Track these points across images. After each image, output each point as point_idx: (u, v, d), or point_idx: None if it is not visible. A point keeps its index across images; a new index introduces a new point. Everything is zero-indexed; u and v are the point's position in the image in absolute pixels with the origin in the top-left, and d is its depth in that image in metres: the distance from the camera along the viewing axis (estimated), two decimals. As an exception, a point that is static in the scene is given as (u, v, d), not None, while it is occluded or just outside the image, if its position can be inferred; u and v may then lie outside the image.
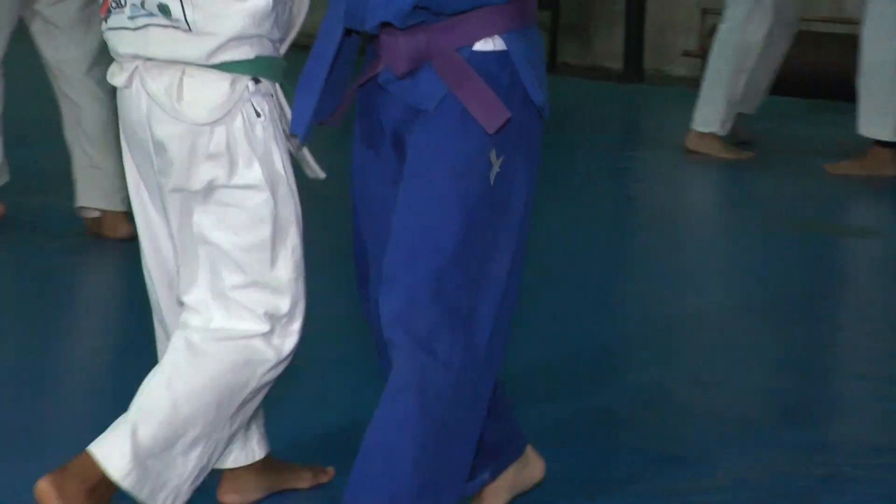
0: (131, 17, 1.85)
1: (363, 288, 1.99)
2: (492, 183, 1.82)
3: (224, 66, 1.82)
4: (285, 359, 1.94)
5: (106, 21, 1.90)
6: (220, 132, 1.82)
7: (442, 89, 1.81)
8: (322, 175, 1.93)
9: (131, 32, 1.86)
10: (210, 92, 1.82)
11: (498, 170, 1.82)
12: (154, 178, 1.91)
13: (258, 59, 1.85)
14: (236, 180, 1.84)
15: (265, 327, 1.89)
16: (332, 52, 1.85)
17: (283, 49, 1.91)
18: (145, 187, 1.96)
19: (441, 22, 1.79)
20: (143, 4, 1.83)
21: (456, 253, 1.79)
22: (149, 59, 1.84)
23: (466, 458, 1.87)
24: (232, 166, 1.83)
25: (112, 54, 1.93)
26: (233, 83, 1.82)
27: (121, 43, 1.88)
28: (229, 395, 1.89)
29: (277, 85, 1.90)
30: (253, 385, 1.90)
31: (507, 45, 1.82)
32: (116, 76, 1.91)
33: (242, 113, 1.84)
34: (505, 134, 1.81)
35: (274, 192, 1.86)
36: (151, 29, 1.83)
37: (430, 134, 1.83)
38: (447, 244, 1.79)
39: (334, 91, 1.89)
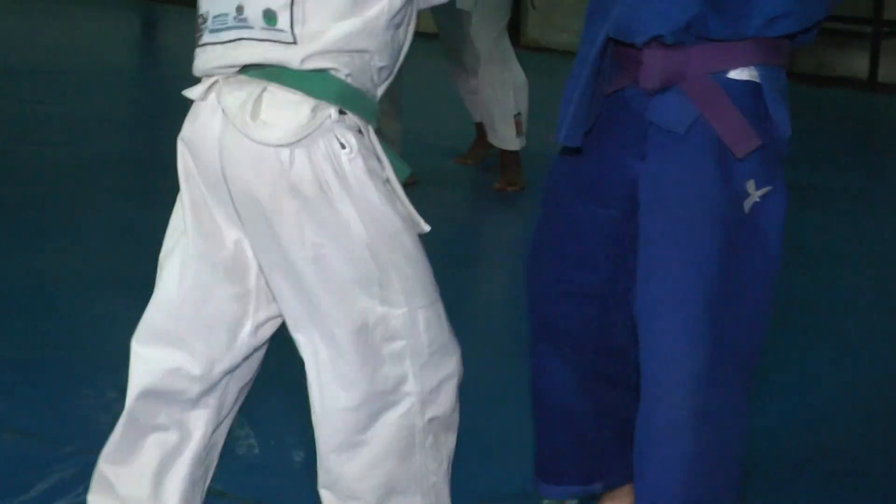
0: (215, 31, 1.64)
1: (528, 284, 2.00)
2: (747, 212, 1.79)
3: (312, 79, 1.58)
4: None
5: (196, 43, 1.69)
6: (297, 159, 1.59)
7: (692, 113, 1.79)
8: (426, 228, 1.73)
9: (220, 47, 1.64)
10: (288, 113, 1.59)
11: (755, 198, 1.79)
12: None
13: (349, 88, 1.61)
14: (325, 215, 1.62)
15: None
16: (596, 60, 1.80)
17: (380, 92, 1.69)
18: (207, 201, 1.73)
19: (701, 45, 1.78)
20: (238, 13, 1.60)
21: (721, 281, 1.77)
22: (232, 69, 1.63)
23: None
24: (315, 200, 1.60)
25: (196, 74, 1.71)
26: (315, 109, 1.58)
27: (208, 59, 1.66)
28: None
29: (370, 127, 1.65)
30: None
31: (760, 78, 1.80)
32: (194, 89, 1.70)
33: (324, 143, 1.59)
34: (760, 164, 1.79)
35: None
36: (245, 43, 1.61)
37: (681, 157, 1.80)
38: (712, 270, 1.77)
39: (593, 100, 1.82)
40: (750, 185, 1.80)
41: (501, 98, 4.55)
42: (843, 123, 6.29)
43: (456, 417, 1.80)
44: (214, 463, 1.94)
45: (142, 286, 3.26)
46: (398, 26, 1.65)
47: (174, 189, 1.78)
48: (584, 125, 1.82)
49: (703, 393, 1.79)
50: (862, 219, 4.58)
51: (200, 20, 1.67)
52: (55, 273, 3.66)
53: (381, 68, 1.65)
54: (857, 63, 6.81)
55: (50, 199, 4.36)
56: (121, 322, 3.19)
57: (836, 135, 6.00)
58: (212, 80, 1.66)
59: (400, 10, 1.62)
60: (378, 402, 1.69)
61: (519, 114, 4.58)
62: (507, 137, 4.61)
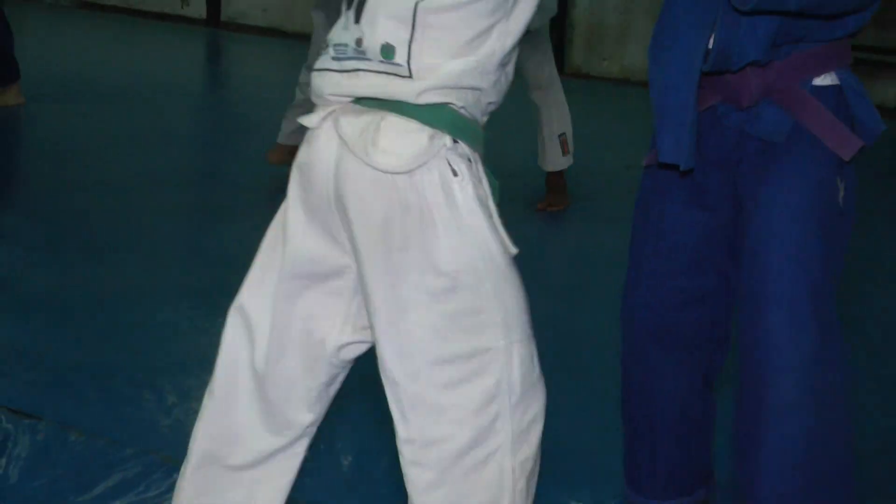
0: (336, 59, 1.68)
1: (631, 295, 2.07)
2: (841, 205, 1.93)
3: (428, 110, 1.61)
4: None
5: (315, 66, 1.73)
6: (413, 185, 1.60)
7: (788, 121, 1.91)
8: (514, 250, 1.68)
9: (338, 74, 1.67)
10: (407, 141, 1.61)
11: (843, 193, 1.94)
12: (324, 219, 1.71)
13: (462, 119, 1.64)
14: (435, 243, 1.61)
15: None
16: (694, 87, 1.89)
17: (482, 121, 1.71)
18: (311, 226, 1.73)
19: (784, 59, 1.91)
20: (358, 45, 1.65)
21: (823, 271, 1.89)
22: (350, 98, 1.66)
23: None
24: (427, 225, 1.60)
25: (314, 98, 1.72)
26: (431, 137, 1.61)
27: (326, 84, 1.69)
28: None
29: (478, 156, 1.68)
30: None
31: (840, 81, 1.94)
32: (310, 118, 1.71)
33: (438, 170, 1.61)
34: (842, 160, 1.92)
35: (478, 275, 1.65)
36: (362, 74, 1.64)
37: (786, 164, 1.91)
38: (816, 264, 1.88)
39: (693, 126, 1.91)
40: (839, 182, 1.94)
41: (547, 120, 4.61)
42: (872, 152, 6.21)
43: (538, 463, 1.71)
44: None
45: (203, 297, 3.41)
46: (505, 65, 1.68)
47: (235, 206, 1.86)
48: (695, 147, 1.92)
49: (814, 374, 1.86)
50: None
51: (325, 45, 1.73)
52: (123, 283, 3.76)
53: (489, 103, 1.68)
54: (888, 91, 6.84)
55: (119, 212, 4.48)
56: (182, 330, 3.33)
57: (866, 163, 5.88)
58: (329, 109, 1.68)
59: (510, 51, 1.66)
60: None
61: (563, 133, 4.62)
62: (554, 158, 4.65)
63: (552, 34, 4.91)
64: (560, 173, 4.69)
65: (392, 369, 1.65)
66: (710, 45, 1.89)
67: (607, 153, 5.62)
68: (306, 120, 1.72)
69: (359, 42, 1.64)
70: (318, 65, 1.71)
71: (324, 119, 1.68)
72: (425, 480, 1.65)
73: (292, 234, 1.72)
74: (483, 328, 1.63)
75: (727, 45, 1.88)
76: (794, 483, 1.86)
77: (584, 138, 4.93)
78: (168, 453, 2.58)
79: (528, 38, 1.75)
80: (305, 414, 1.78)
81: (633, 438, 2.14)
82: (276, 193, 1.84)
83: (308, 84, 1.87)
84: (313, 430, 1.82)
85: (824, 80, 1.94)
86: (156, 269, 3.93)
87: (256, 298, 1.76)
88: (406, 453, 1.66)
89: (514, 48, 1.67)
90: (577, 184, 4.84)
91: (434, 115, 1.61)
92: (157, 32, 8.63)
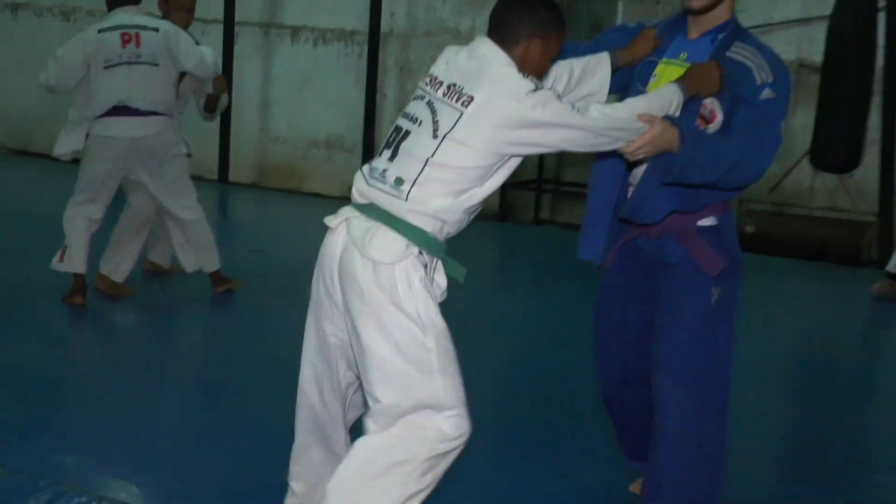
0: (371, 175, 2.71)
1: (608, 391, 3.28)
2: (713, 304, 2.99)
3: (409, 228, 2.60)
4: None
5: (362, 173, 2.78)
6: (389, 270, 2.60)
7: (680, 250, 2.97)
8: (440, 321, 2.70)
9: (366, 186, 2.71)
10: (390, 244, 2.60)
11: (717, 297, 2.99)
12: (326, 298, 2.75)
13: (429, 238, 2.61)
14: (398, 308, 2.62)
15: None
16: (612, 209, 3.01)
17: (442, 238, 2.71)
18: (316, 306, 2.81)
19: (686, 210, 2.96)
20: (383, 173, 2.65)
21: (699, 359, 2.98)
22: (365, 201, 2.68)
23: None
24: (394, 296, 2.60)
25: (353, 194, 2.77)
26: (407, 246, 2.60)
27: (360, 185, 2.73)
28: None
29: (437, 260, 2.69)
30: None
31: (718, 222, 2.99)
32: (332, 219, 2.74)
33: (405, 267, 2.60)
34: (719, 276, 2.97)
35: (424, 329, 2.61)
36: (377, 191, 2.67)
37: (678, 277, 2.99)
38: (695, 353, 2.98)
39: (608, 239, 3.06)
40: (714, 290, 2.98)
41: None
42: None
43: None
44: None
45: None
46: (471, 213, 2.65)
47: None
48: (606, 252, 3.06)
49: (694, 417, 3.02)
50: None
51: (369, 165, 2.74)
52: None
53: (448, 232, 2.66)
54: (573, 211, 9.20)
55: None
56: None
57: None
58: (344, 216, 2.70)
59: (478, 203, 2.63)
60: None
61: None
62: None
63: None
64: None
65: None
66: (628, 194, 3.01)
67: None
68: (330, 221, 2.72)
69: (383, 172, 2.65)
70: (362, 171, 2.75)
71: (340, 222, 2.71)
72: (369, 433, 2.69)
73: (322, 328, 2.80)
74: (436, 388, 2.67)
75: (641, 202, 2.90)
76: (680, 469, 3.06)
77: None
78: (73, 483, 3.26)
79: None
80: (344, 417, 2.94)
81: (617, 430, 3.41)
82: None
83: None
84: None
85: (706, 222, 2.98)
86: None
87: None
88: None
89: (481, 203, 2.64)
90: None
91: (411, 233, 2.59)
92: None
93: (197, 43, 5.59)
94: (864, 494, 3.77)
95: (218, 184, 10.00)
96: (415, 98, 2.79)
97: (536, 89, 2.60)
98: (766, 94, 2.93)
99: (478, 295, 6.07)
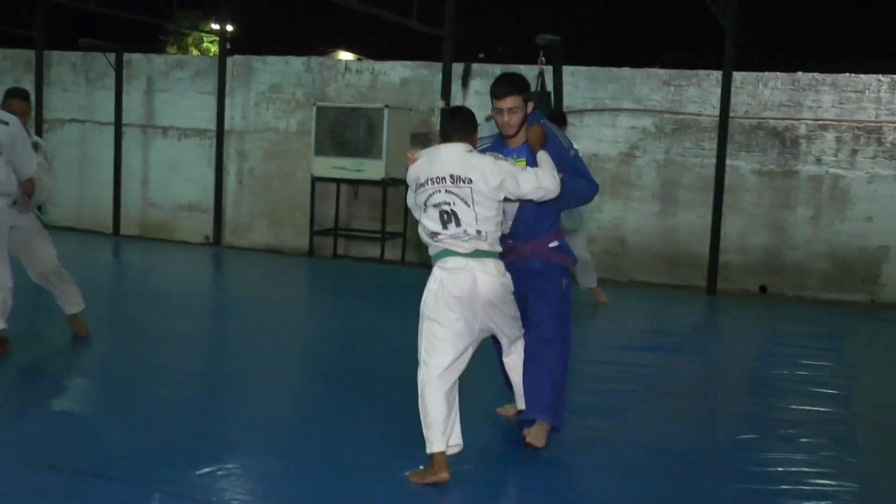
0: (454, 237, 4.16)
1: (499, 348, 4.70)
2: (563, 290, 4.57)
3: (494, 254, 4.22)
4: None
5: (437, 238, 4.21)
6: (503, 280, 4.24)
7: (543, 263, 4.51)
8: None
9: (456, 242, 4.17)
10: (495, 267, 4.20)
11: (565, 287, 4.57)
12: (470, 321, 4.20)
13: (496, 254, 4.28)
14: (509, 303, 4.35)
15: None
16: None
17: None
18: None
19: (535, 239, 4.51)
20: (465, 232, 4.12)
21: (559, 318, 4.54)
22: (474, 256, 4.16)
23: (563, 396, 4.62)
24: (507, 298, 4.33)
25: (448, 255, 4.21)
26: (496, 264, 4.21)
27: (456, 249, 4.18)
28: None
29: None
30: None
31: (559, 242, 4.58)
32: (453, 264, 4.15)
33: (503, 274, 4.27)
34: (565, 273, 4.56)
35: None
36: (473, 241, 4.17)
37: (543, 281, 4.52)
38: (557, 315, 4.51)
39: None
40: (563, 281, 4.51)
41: None
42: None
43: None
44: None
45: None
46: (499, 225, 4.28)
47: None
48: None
49: (559, 348, 4.48)
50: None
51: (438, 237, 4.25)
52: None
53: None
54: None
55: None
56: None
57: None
58: (466, 261, 4.13)
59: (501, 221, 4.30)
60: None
61: None
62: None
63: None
64: None
65: (503, 341, 4.52)
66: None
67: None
68: (450, 265, 4.15)
69: (465, 231, 4.15)
70: (444, 235, 4.17)
71: (466, 266, 4.15)
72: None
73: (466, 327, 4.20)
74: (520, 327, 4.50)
75: (514, 234, 4.42)
76: (552, 386, 4.45)
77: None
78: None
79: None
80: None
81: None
82: None
83: None
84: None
85: (553, 243, 4.49)
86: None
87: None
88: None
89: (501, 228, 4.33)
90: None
91: (494, 256, 4.21)
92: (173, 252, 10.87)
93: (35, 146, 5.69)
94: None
95: (112, 236, 12.14)
96: (433, 193, 4.11)
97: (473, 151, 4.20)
98: (572, 153, 4.47)
99: (297, 307, 8.38)
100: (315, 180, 10.97)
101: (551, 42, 9.41)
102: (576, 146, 4.65)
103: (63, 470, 3.96)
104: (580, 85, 10.62)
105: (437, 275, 4.12)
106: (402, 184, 10.74)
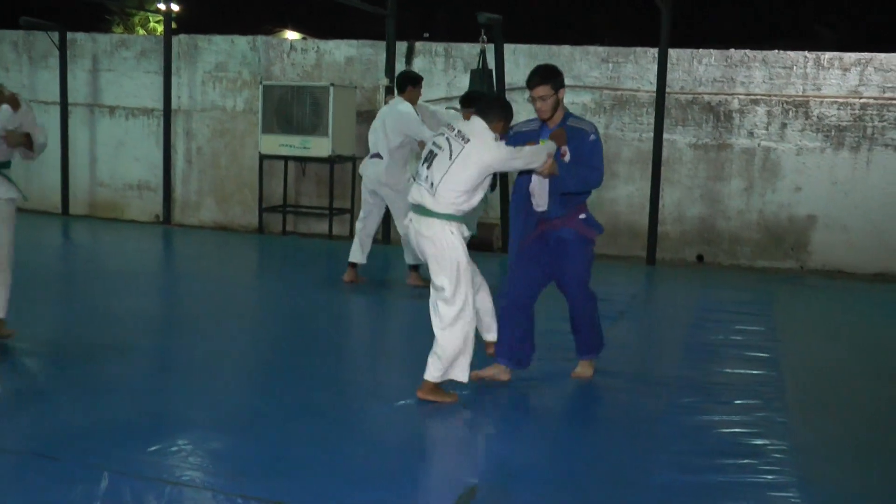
0: (418, 178, 4.73)
1: (511, 293, 5.10)
2: (591, 256, 5.16)
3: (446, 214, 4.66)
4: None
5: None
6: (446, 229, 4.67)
7: (573, 233, 5.06)
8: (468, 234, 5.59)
9: (418, 187, 4.73)
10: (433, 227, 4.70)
11: (593, 251, 5.18)
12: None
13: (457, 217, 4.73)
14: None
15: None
16: (524, 216, 5.03)
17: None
18: None
19: (565, 214, 5.03)
20: (427, 178, 4.65)
21: (585, 283, 5.18)
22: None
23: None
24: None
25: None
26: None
27: (414, 195, 4.76)
28: None
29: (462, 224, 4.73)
30: None
31: (586, 215, 5.11)
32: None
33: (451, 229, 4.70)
34: (591, 241, 5.11)
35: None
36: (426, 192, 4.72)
37: (574, 248, 5.07)
38: (583, 281, 5.15)
39: (525, 229, 5.06)
40: (591, 248, 5.12)
41: None
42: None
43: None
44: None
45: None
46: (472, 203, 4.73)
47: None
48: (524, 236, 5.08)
49: (587, 297, 5.19)
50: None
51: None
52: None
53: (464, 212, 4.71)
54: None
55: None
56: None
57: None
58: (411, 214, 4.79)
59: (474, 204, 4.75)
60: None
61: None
62: None
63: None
64: None
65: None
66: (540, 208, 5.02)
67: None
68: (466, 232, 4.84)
69: (427, 178, 4.63)
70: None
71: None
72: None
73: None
74: (439, 273, 4.65)
75: (550, 211, 4.97)
76: (589, 324, 5.28)
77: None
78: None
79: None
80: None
81: (505, 331, 5.16)
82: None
83: None
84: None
85: (582, 215, 5.03)
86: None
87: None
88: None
89: (476, 205, 4.74)
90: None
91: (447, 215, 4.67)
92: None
93: None
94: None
95: (61, 216, 11.99)
96: (439, 136, 4.64)
97: (497, 139, 4.59)
98: (591, 138, 4.89)
99: (246, 284, 8.39)
100: (263, 158, 10.90)
101: (492, 20, 9.36)
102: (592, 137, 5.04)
103: (7, 451, 3.88)
104: (521, 63, 10.61)
105: (453, 227, 4.65)
106: (348, 160, 10.72)
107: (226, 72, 11.56)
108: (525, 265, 5.01)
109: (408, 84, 7.69)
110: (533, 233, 4.98)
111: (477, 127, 4.63)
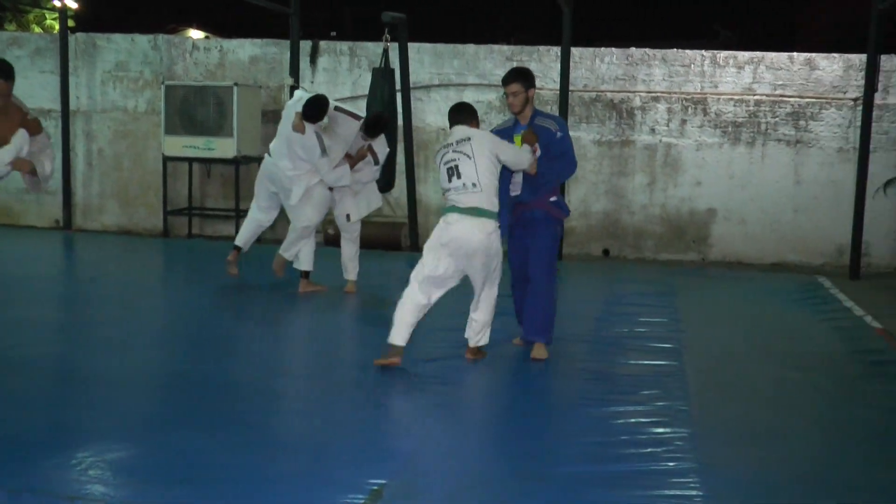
0: (457, 190, 5.38)
1: (515, 285, 5.84)
2: (558, 237, 5.88)
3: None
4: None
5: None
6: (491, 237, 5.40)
7: (544, 213, 5.72)
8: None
9: (462, 196, 5.43)
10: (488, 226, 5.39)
11: (559, 232, 5.93)
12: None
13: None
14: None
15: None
16: (507, 200, 5.62)
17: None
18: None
19: (539, 196, 5.69)
20: (464, 185, 5.36)
21: (549, 267, 5.74)
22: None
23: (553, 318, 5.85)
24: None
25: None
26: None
27: (457, 203, 5.42)
28: None
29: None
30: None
31: (556, 198, 5.80)
32: (452, 219, 5.33)
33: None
34: (559, 221, 5.82)
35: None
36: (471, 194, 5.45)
37: (541, 226, 5.72)
38: (547, 264, 5.71)
39: (507, 216, 5.68)
40: (557, 228, 5.77)
41: None
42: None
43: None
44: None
45: None
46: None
47: None
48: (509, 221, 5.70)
49: (547, 283, 5.66)
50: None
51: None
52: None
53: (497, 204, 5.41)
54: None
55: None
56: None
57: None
58: (462, 216, 5.30)
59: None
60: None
61: None
62: None
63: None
64: None
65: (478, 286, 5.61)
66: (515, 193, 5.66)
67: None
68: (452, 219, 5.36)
69: (464, 184, 5.29)
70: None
71: (460, 219, 5.32)
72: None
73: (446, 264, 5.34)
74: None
75: (526, 197, 5.62)
76: (544, 314, 5.68)
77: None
78: None
79: None
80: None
81: (516, 304, 5.88)
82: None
83: None
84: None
85: (553, 198, 5.68)
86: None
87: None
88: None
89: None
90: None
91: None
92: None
93: None
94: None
95: None
96: (444, 154, 5.27)
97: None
98: (558, 136, 5.60)
99: (151, 289, 8.24)
100: (167, 160, 10.66)
101: (396, 19, 9.35)
102: (559, 135, 5.71)
103: None
104: (426, 61, 10.63)
105: (440, 225, 5.27)
106: (253, 161, 10.56)
107: (127, 71, 11.28)
108: (515, 245, 5.76)
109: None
110: (512, 215, 5.66)
111: (466, 130, 5.39)
